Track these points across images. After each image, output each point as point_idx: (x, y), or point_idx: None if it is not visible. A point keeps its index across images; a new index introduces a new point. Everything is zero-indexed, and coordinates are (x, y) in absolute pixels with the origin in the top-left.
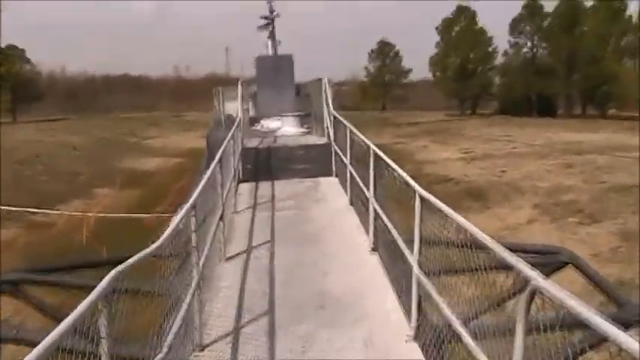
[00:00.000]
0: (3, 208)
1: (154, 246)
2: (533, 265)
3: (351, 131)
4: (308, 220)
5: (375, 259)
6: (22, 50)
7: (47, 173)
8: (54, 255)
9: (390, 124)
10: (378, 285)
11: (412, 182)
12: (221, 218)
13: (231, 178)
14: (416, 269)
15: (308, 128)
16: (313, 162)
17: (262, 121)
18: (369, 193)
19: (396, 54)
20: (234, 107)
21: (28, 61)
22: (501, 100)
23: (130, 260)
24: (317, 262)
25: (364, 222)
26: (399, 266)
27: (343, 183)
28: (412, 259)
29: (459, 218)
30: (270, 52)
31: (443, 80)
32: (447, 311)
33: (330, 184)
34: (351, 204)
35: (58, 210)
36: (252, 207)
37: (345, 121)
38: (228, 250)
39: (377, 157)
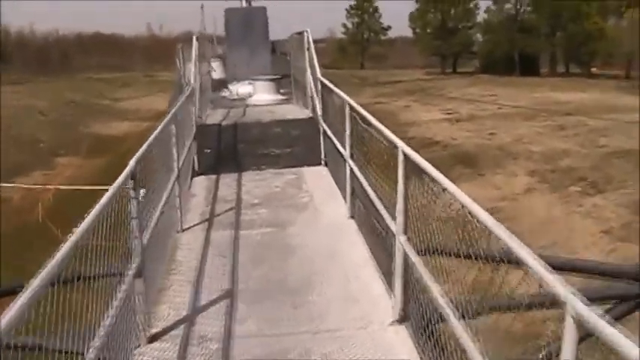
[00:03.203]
0: None
1: None
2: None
3: (352, 109)
4: (289, 248)
5: (404, 343)
6: None
7: (7, 141)
8: (9, 235)
9: (369, 83)
10: None
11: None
12: (139, 275)
13: (172, 182)
14: None
15: (286, 95)
16: (295, 144)
17: (231, 86)
18: (396, 226)
19: (375, 10)
20: (202, 68)
21: None
22: (483, 59)
23: None
24: (304, 352)
25: (377, 254)
26: None
27: (336, 175)
28: None
29: None
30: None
31: (423, 37)
32: None
33: (318, 178)
34: (352, 216)
35: (12, 183)
36: (208, 220)
37: (342, 94)
38: (156, 319)
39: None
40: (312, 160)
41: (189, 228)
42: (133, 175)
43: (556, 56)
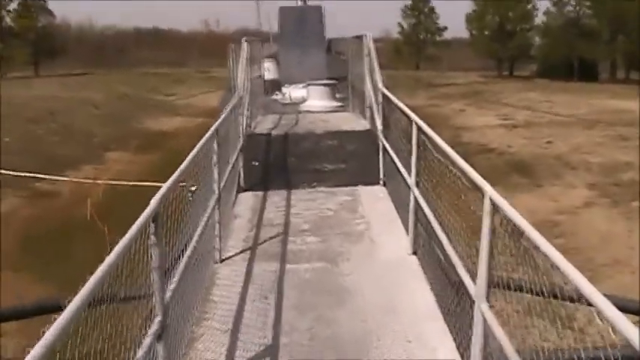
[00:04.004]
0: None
1: None
2: None
3: (420, 130)
4: (341, 292)
5: None
6: (44, 1)
7: (60, 133)
8: (56, 231)
9: (423, 85)
10: None
11: None
12: (160, 337)
13: (210, 207)
14: None
15: (342, 101)
16: (350, 159)
17: (284, 89)
18: (475, 289)
19: (432, 10)
20: (252, 72)
21: (50, 13)
22: (541, 62)
23: None
24: None
25: (445, 303)
26: None
27: (396, 198)
28: None
29: None
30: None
31: (480, 39)
32: None
33: (376, 200)
34: (414, 252)
35: (64, 176)
36: (251, 248)
37: (410, 112)
38: None
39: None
40: (369, 178)
41: (228, 258)
42: (155, 217)
43: (616, 62)
